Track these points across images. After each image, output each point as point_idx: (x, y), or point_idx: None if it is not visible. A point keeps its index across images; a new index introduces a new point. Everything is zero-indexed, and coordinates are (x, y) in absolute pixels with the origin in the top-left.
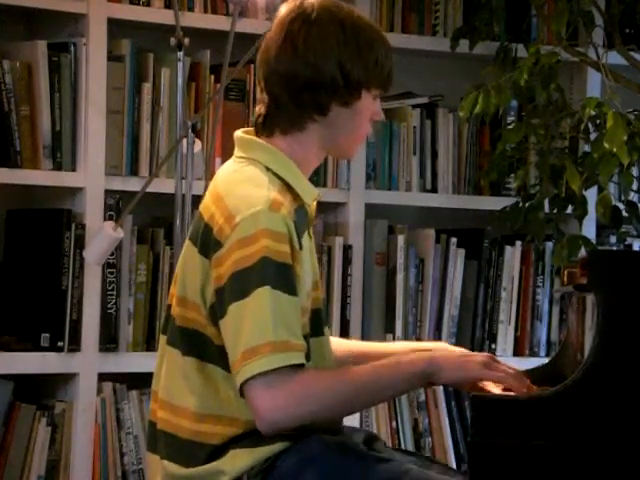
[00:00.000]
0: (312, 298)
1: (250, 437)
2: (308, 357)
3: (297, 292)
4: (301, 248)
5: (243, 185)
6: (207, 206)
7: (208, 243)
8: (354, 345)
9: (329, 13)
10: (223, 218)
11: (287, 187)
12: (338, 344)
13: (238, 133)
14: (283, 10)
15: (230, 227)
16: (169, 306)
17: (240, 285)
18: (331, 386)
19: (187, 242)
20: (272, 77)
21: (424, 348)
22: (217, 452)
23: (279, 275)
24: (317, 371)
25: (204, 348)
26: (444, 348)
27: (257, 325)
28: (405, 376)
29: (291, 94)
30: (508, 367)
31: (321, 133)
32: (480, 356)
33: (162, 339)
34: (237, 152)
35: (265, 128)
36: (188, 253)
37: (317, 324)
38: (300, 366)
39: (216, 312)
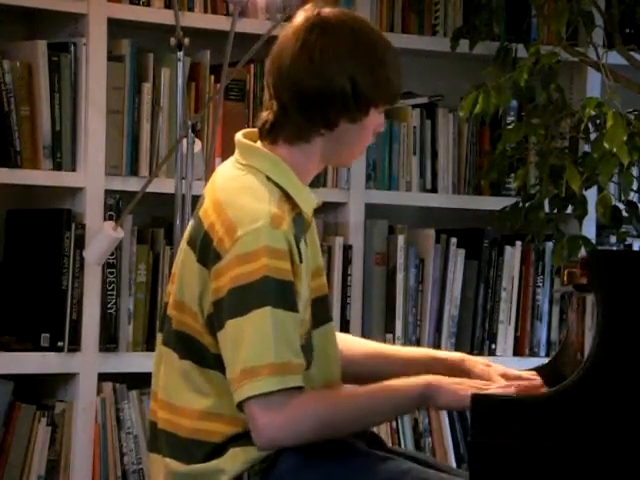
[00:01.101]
0: (314, 287)
1: (250, 436)
2: (309, 364)
3: (298, 308)
4: (301, 261)
5: (244, 196)
6: (207, 213)
7: (207, 253)
8: (373, 346)
9: (346, 26)
10: (223, 229)
11: (286, 197)
12: (356, 343)
13: (239, 137)
14: (300, 18)
15: (231, 240)
16: (166, 304)
17: (240, 301)
18: (329, 410)
19: (185, 246)
20: (283, 85)
21: (442, 357)
22: (217, 450)
23: (280, 293)
24: (316, 394)
25: (200, 354)
26: (462, 358)
27: (257, 345)
28: (402, 401)
29: (300, 105)
30: (506, 384)
31: (325, 146)
32: (473, 382)
33: (159, 337)
34: (237, 157)
35: (270, 135)
36: (186, 258)
37: (321, 312)
38: (299, 388)
39: (213, 323)
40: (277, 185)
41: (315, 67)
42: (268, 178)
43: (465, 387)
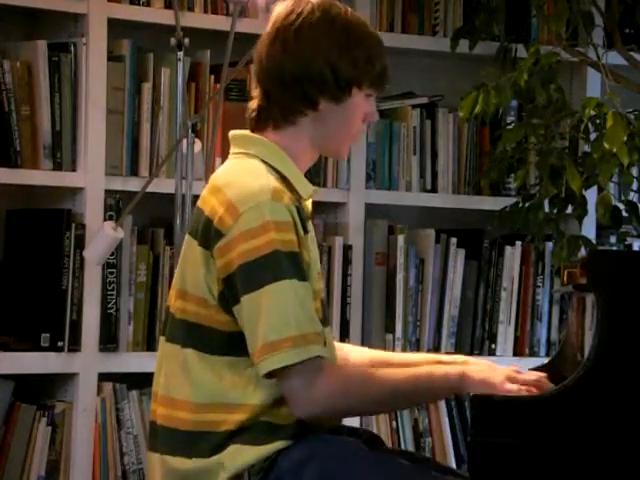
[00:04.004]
0: (318, 289)
1: (253, 431)
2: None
3: (307, 278)
4: (306, 232)
5: (242, 175)
6: (205, 200)
7: (208, 234)
8: (377, 354)
9: (322, 11)
10: (223, 208)
11: (283, 180)
12: (362, 351)
13: (232, 132)
14: (278, 8)
15: (232, 217)
16: (168, 307)
17: (253, 276)
18: (368, 384)
19: (187, 237)
20: (263, 72)
21: (445, 361)
22: (221, 442)
23: (291, 265)
24: (345, 367)
25: (205, 340)
26: (465, 361)
27: (276, 318)
28: (438, 388)
29: (280, 87)
30: (532, 378)
31: (312, 129)
32: (504, 370)
33: (162, 339)
34: (232, 149)
35: (258, 123)
36: (187, 247)
37: (322, 315)
38: (322, 357)
39: (227, 299)
40: (274, 169)
41: (290, 49)
42: (264, 162)
43: (495, 376)
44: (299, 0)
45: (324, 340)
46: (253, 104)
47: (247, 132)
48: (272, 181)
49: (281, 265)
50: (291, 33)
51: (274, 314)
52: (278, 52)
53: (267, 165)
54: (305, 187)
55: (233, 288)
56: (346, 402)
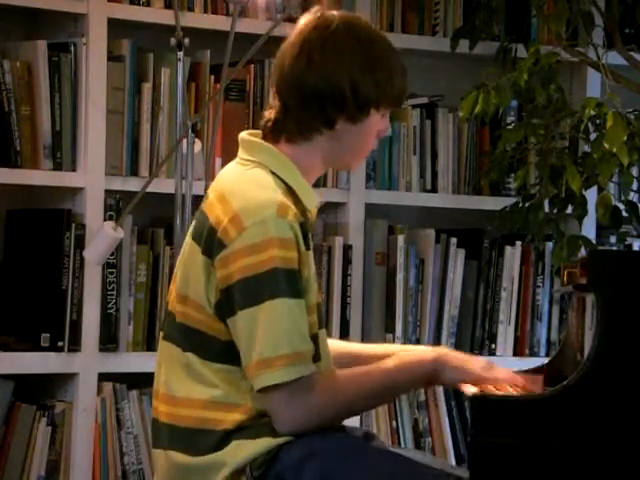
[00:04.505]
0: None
1: (253, 428)
2: (317, 356)
3: (303, 295)
4: (308, 248)
5: (249, 186)
6: (211, 205)
7: (212, 244)
8: (342, 345)
9: (348, 27)
10: (227, 219)
11: (290, 192)
12: (332, 345)
13: (243, 135)
14: (304, 19)
15: (236, 230)
16: (167, 305)
17: (251, 292)
18: (346, 394)
19: (189, 240)
20: (284, 84)
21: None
22: (221, 441)
23: (289, 283)
24: (333, 379)
25: (204, 347)
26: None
27: (271, 336)
28: (414, 377)
29: (300, 102)
30: (507, 373)
31: (326, 146)
32: (480, 360)
33: (161, 335)
34: (241, 154)
35: (272, 133)
36: (190, 252)
37: (319, 318)
38: (314, 374)
39: (223, 309)
40: (281, 180)
41: (315, 65)
42: (272, 172)
43: (471, 362)
44: (324, 12)
45: (317, 349)
46: (270, 114)
47: (257, 138)
48: (278, 195)
49: (279, 283)
50: (317, 46)
51: (269, 331)
52: (303, 65)
53: (274, 175)
54: (311, 199)
55: (230, 300)
56: (334, 414)
